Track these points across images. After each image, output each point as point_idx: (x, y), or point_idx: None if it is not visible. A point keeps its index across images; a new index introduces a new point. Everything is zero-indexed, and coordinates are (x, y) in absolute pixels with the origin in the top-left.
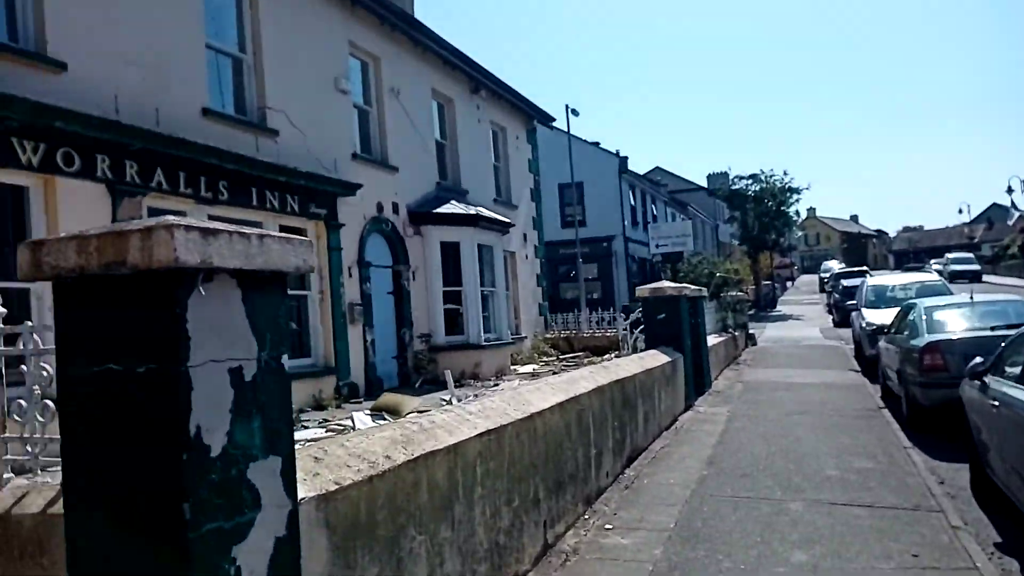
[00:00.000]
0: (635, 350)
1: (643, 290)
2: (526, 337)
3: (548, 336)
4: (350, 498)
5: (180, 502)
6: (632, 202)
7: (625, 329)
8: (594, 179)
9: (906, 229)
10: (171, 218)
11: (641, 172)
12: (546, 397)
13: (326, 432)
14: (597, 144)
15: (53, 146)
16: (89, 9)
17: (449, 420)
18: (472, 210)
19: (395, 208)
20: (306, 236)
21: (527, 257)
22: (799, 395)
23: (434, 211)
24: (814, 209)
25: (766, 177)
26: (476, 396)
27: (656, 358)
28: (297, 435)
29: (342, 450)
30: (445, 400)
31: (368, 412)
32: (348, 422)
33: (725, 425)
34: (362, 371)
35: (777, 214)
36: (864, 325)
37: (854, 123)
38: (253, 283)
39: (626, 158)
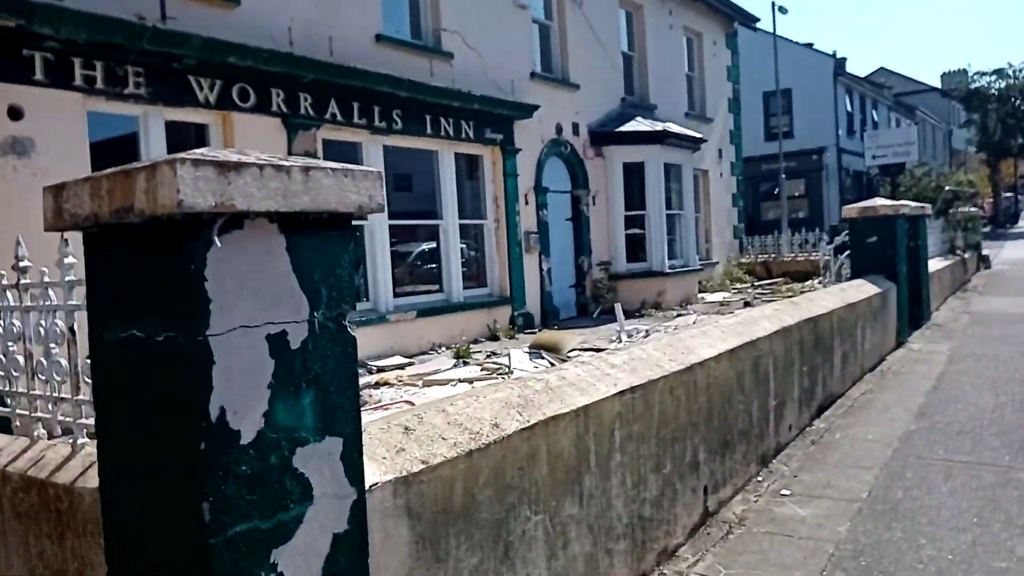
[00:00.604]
0: (839, 278)
1: (850, 210)
2: (717, 263)
3: (743, 261)
4: (441, 479)
5: (199, 501)
6: (849, 108)
7: (828, 255)
8: (804, 85)
9: None
10: (183, 153)
11: (861, 75)
12: (713, 343)
13: (481, 371)
14: (810, 46)
15: (229, 82)
16: None
17: (584, 375)
18: (659, 126)
19: (575, 129)
20: (482, 162)
21: (721, 175)
22: None
23: (616, 130)
24: None
25: (1015, 72)
26: (648, 332)
27: (862, 289)
28: (454, 373)
29: (440, 417)
30: (614, 338)
31: (526, 350)
32: (506, 360)
33: (944, 367)
34: (538, 301)
35: None
36: None
37: None
38: (301, 228)
39: (843, 60)
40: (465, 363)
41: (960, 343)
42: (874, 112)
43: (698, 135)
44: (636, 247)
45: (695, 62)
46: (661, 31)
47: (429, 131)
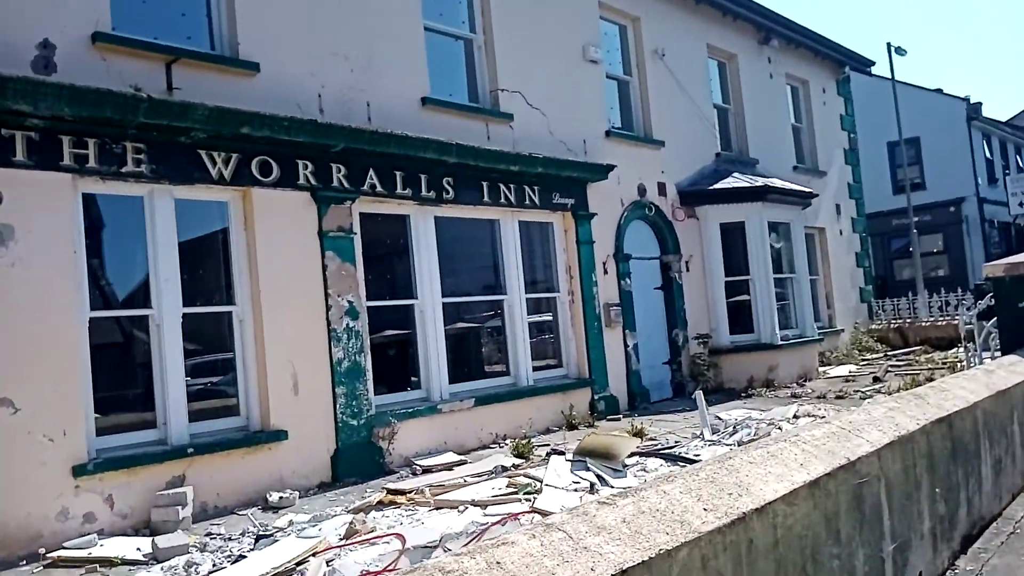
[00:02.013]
0: (986, 349)
1: (994, 267)
2: (842, 330)
3: (874, 327)
4: None
5: None
6: (988, 155)
7: (970, 322)
8: (934, 132)
9: None
10: None
11: (1001, 120)
12: (785, 472)
13: (507, 487)
14: (939, 91)
15: (246, 155)
16: (286, 2)
17: (541, 554)
18: (758, 181)
19: (661, 189)
20: (551, 229)
21: (841, 232)
22: None
23: (709, 187)
24: None
25: None
26: (736, 427)
27: (1016, 369)
28: (478, 489)
29: None
30: (706, 433)
31: (569, 457)
32: (541, 472)
33: None
34: (623, 381)
35: None
36: None
37: None
38: None
39: (979, 104)
40: (526, 459)
41: None
42: (1018, 158)
43: (807, 189)
44: (740, 317)
45: (802, 111)
46: (759, 80)
47: (487, 198)
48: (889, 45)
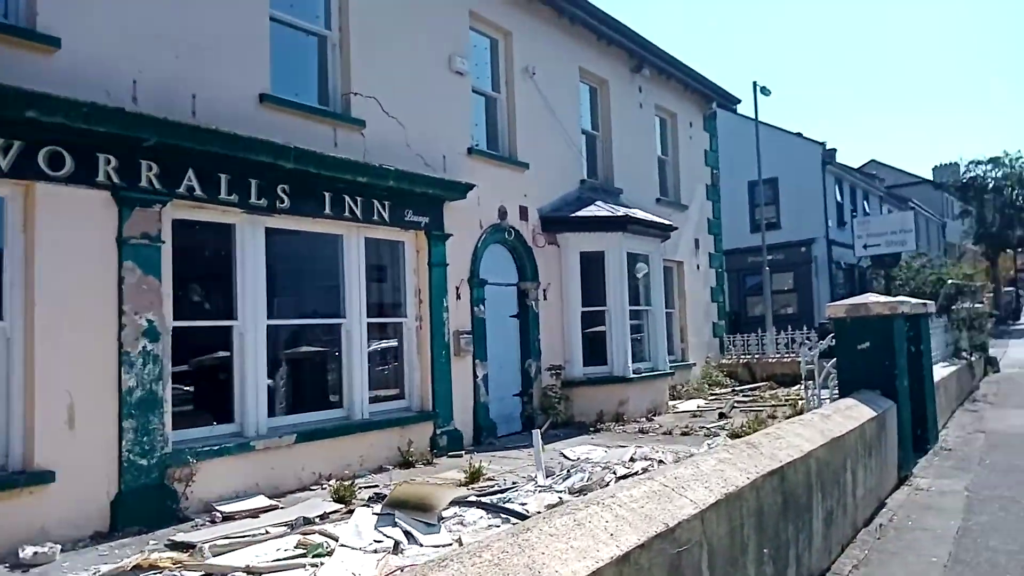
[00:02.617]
0: (825, 388)
1: (836, 308)
2: (694, 364)
3: (725, 362)
4: None
5: None
6: (839, 199)
7: (810, 361)
8: (792, 174)
9: None
10: None
11: (854, 167)
12: (590, 545)
13: (296, 547)
14: (799, 135)
15: (31, 144)
16: None
17: None
18: (619, 211)
19: (523, 212)
20: (402, 249)
21: (698, 267)
22: None
23: (571, 215)
24: None
25: (1011, 160)
26: (570, 472)
27: (852, 414)
28: (271, 547)
29: None
30: (539, 477)
31: (378, 511)
32: (339, 530)
33: (962, 520)
34: (470, 414)
35: None
36: None
37: None
38: None
39: (833, 150)
40: (346, 504)
41: (979, 479)
42: (865, 203)
43: (667, 222)
44: (595, 348)
45: (668, 144)
46: (629, 109)
47: (329, 211)
48: (755, 84)
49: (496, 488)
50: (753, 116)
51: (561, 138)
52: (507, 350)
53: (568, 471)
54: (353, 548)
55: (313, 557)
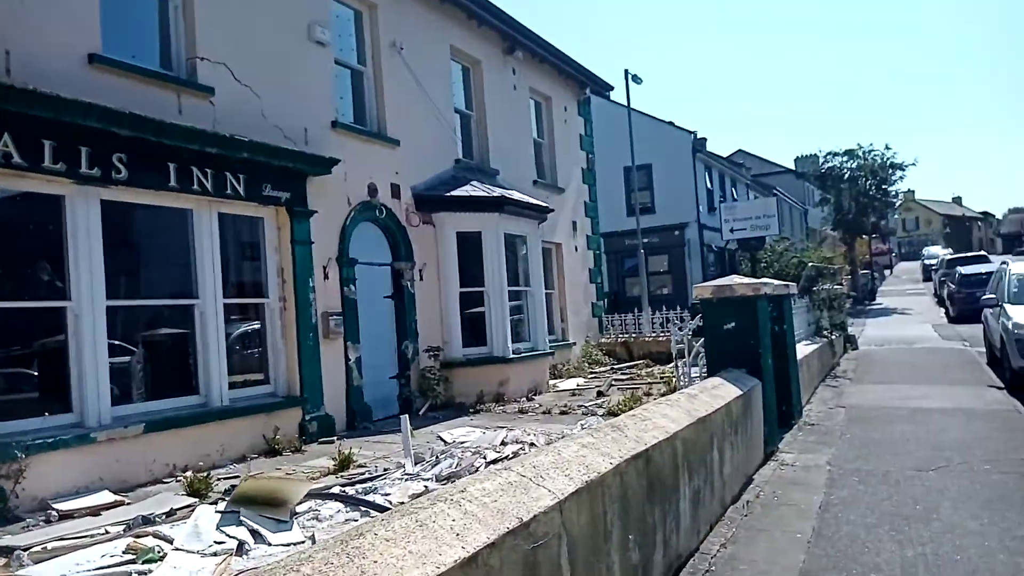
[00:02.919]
0: (695, 366)
1: (702, 288)
2: (574, 343)
3: (604, 341)
4: None
5: None
6: (708, 185)
7: (681, 341)
8: (664, 160)
9: (1015, 210)
10: None
11: (722, 155)
12: (435, 548)
13: (127, 550)
14: (672, 124)
15: None
16: None
17: None
18: (495, 191)
19: (395, 191)
20: (262, 226)
21: (576, 249)
22: (928, 430)
23: (446, 194)
24: (913, 191)
25: (864, 153)
26: (439, 457)
27: (718, 392)
28: (79, 557)
29: None
30: (408, 464)
31: (222, 509)
32: (176, 531)
33: (825, 494)
34: (343, 399)
35: (877, 193)
36: (1012, 327)
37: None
38: None
39: (704, 140)
40: (202, 497)
41: (840, 452)
42: (734, 190)
43: (544, 203)
44: (474, 330)
45: (544, 127)
46: (503, 91)
47: (174, 183)
48: (627, 72)
49: (366, 475)
50: (627, 105)
51: (433, 116)
52: (383, 332)
53: (437, 457)
54: (190, 551)
55: (143, 563)
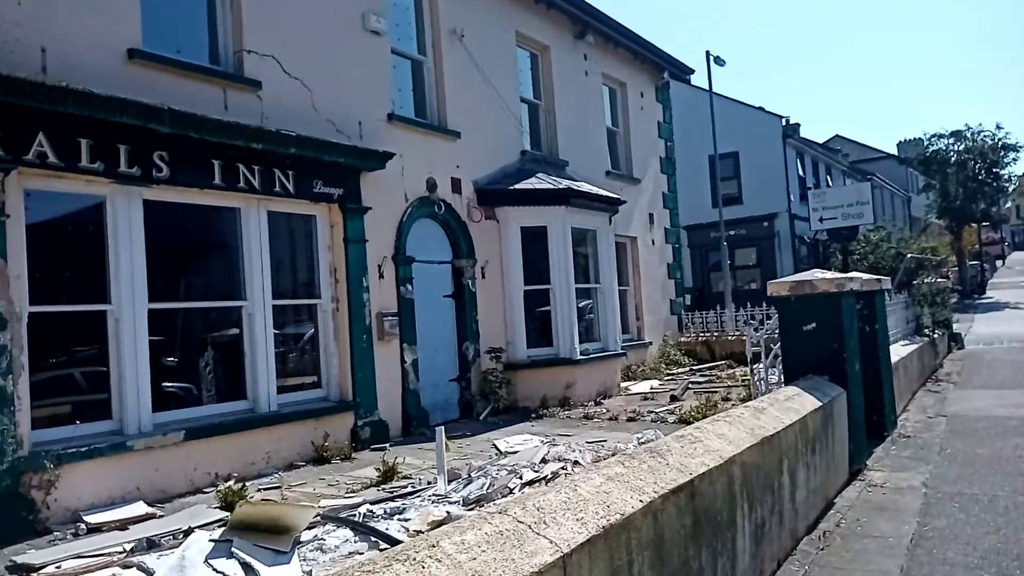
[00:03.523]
0: (772, 376)
1: (779, 285)
2: (650, 343)
3: (684, 340)
4: None
5: None
6: (801, 173)
7: (758, 343)
8: (753, 148)
9: None
10: None
11: (818, 142)
12: None
13: None
14: (760, 109)
15: None
16: None
17: None
18: (562, 183)
19: (455, 185)
20: (314, 224)
21: (654, 243)
22: None
23: (510, 187)
24: None
25: (973, 135)
26: (483, 472)
27: (791, 405)
28: None
29: None
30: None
31: (216, 538)
32: (162, 562)
33: (918, 524)
34: (398, 403)
35: (988, 178)
36: None
37: None
38: None
39: (797, 125)
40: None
41: (939, 471)
42: (828, 178)
43: (614, 195)
44: (540, 330)
45: (619, 115)
46: (574, 78)
47: (219, 181)
48: (708, 53)
49: (407, 490)
50: (708, 89)
51: (497, 106)
52: (442, 333)
53: (470, 475)
54: None
55: None
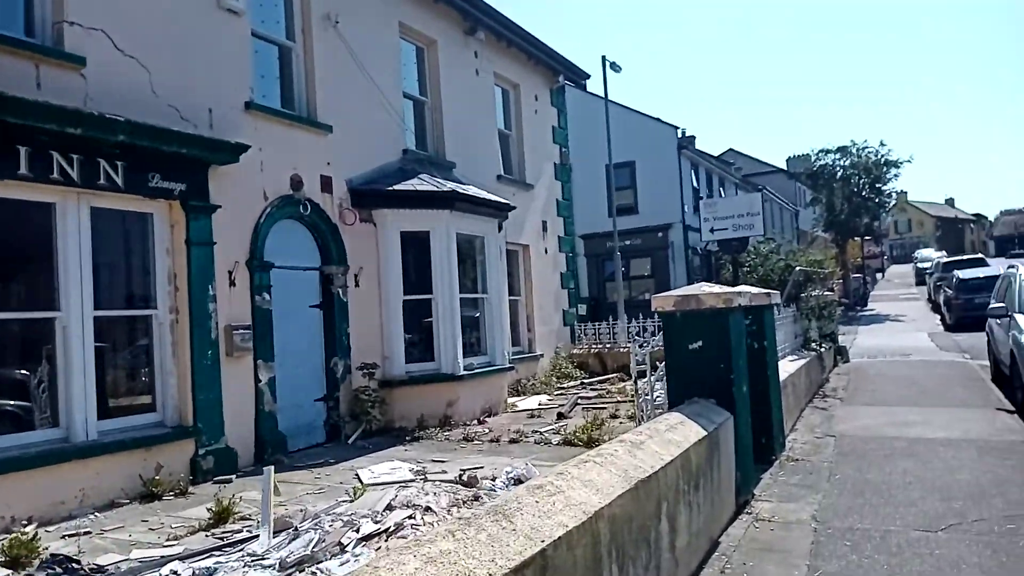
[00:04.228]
0: (659, 395)
1: (663, 300)
2: (542, 355)
3: (576, 352)
4: None
5: None
6: (695, 184)
7: (643, 360)
8: (649, 157)
9: (1007, 212)
10: None
11: (712, 155)
12: None
13: None
14: (657, 119)
15: None
16: None
17: None
18: (447, 186)
19: (325, 184)
20: (151, 223)
21: (547, 251)
22: (933, 469)
23: (389, 188)
24: (906, 192)
25: (858, 150)
26: (311, 526)
27: (673, 436)
28: None
29: None
30: (261, 537)
31: None
32: None
33: (808, 568)
34: (250, 427)
35: (871, 193)
36: None
37: (947, 100)
38: None
39: (692, 137)
40: (18, 569)
41: (829, 501)
42: (722, 189)
43: (503, 200)
44: (420, 344)
45: (512, 118)
46: (463, 76)
47: (25, 171)
48: (604, 59)
49: (239, 535)
50: (603, 95)
51: (376, 100)
52: (307, 347)
53: (296, 529)
54: None
55: None
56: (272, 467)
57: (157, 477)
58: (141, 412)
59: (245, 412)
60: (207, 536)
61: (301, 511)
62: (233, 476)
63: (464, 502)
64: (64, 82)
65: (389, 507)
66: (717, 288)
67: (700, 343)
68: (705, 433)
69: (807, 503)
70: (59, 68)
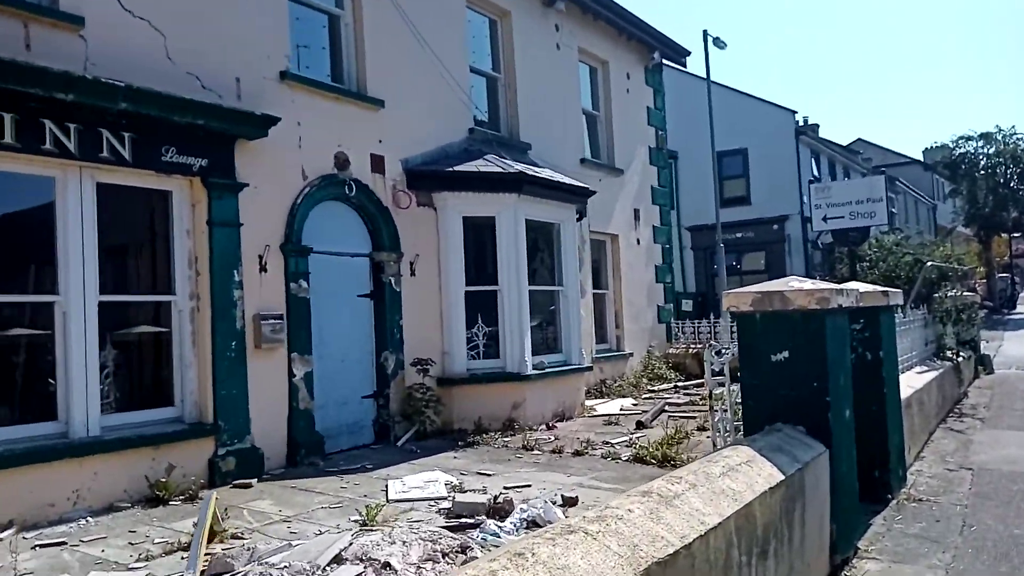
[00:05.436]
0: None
1: (739, 297)
2: (631, 354)
3: (672, 351)
4: None
5: None
6: (816, 173)
7: (721, 370)
8: (763, 145)
9: None
10: None
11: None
12: None
13: None
14: (773, 104)
15: None
16: None
17: None
18: (513, 167)
19: (376, 163)
20: (170, 202)
21: (639, 242)
22: None
23: (448, 169)
24: None
25: (1004, 136)
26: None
27: (730, 485)
28: None
29: None
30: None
31: None
32: None
33: None
34: (282, 426)
35: (1020, 184)
36: None
37: None
38: None
39: (815, 125)
40: None
41: (960, 564)
42: (846, 179)
43: (580, 184)
44: (484, 339)
45: (600, 97)
46: (542, 50)
47: (14, 140)
48: (705, 34)
49: (226, 560)
50: (706, 74)
51: (437, 75)
52: (354, 340)
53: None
54: None
55: None
56: (213, 494)
57: (165, 479)
58: (157, 407)
59: (276, 410)
60: (183, 559)
61: (248, 551)
62: (254, 480)
63: (445, 555)
64: (58, 44)
65: (337, 559)
66: (809, 284)
67: (786, 353)
68: (781, 478)
69: (929, 566)
70: (52, 28)
